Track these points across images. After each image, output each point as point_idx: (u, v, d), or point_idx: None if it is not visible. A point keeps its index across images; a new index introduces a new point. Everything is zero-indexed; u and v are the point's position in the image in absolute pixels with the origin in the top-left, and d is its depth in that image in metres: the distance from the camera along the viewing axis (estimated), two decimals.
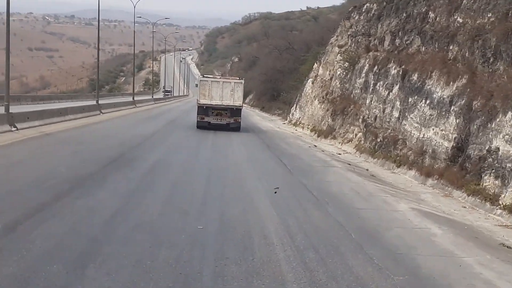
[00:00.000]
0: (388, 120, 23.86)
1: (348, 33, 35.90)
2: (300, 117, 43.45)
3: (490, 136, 15.30)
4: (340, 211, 11.87)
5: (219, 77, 42.22)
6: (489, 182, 14.85)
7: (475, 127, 16.23)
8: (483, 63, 16.95)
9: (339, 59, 35.37)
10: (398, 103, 23.02)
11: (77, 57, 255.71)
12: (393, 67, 24.68)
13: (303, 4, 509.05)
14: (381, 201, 13.52)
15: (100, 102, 46.70)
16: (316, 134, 34.65)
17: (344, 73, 33.52)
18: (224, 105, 32.69)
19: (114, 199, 11.46)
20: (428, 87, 20.27)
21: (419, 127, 20.19)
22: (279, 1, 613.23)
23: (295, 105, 48.22)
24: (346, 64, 32.89)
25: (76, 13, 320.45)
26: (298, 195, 13.41)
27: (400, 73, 23.40)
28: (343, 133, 30.43)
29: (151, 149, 20.80)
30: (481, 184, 15.17)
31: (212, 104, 32.69)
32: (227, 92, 32.69)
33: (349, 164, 20.95)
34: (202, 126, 32.87)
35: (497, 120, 15.13)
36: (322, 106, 36.69)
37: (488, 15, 17.17)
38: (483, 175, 15.25)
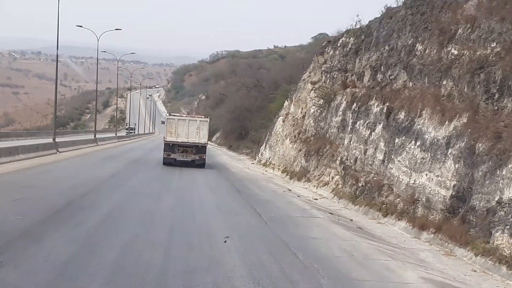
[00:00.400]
0: (370, 162, 21.51)
1: (322, 69, 33.82)
2: (270, 157, 40.98)
3: (501, 185, 12.98)
4: (338, 285, 9.30)
5: (185, 115, 42.33)
6: (502, 240, 12.47)
7: (480, 173, 13.90)
8: (486, 100, 14.72)
9: (312, 96, 33.20)
10: (382, 144, 20.71)
11: (43, 93, 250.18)
12: (375, 105, 22.44)
13: (270, 43, 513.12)
14: (383, 268, 10.94)
15: (59, 140, 43.80)
16: (289, 176, 32.17)
17: (318, 111, 31.29)
18: (189, 142, 33.03)
19: (40, 275, 8.52)
20: (418, 126, 18.00)
21: (409, 171, 17.83)
22: (246, 40, 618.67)
23: (264, 144, 45.81)
24: (321, 102, 30.68)
25: (43, 49, 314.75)
26: (280, 259, 10.75)
27: (384, 111, 21.16)
28: (318, 175, 28.00)
29: (107, 195, 18.07)
30: (491, 242, 12.78)
31: (178, 142, 33.04)
32: (192, 130, 33.10)
33: (331, 214, 18.39)
34: (168, 162, 33.16)
35: (509, 166, 12.83)
36: (295, 146, 34.32)
37: (492, 45, 14.98)
38: (493, 231, 12.88)
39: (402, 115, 19.49)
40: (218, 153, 57.64)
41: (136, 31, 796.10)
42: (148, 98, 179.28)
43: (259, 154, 47.01)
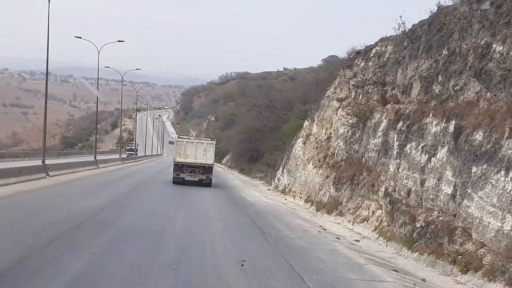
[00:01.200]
0: (432, 197, 16.42)
1: (352, 83, 28.91)
2: (289, 183, 35.96)
3: None
4: None
5: (193, 138, 43.80)
6: None
7: None
8: None
9: (341, 115, 28.24)
10: (449, 173, 15.63)
11: (52, 114, 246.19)
12: (434, 123, 17.43)
13: (280, 65, 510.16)
14: None
15: (56, 161, 39.27)
16: (314, 207, 27.14)
17: (350, 131, 26.32)
18: (197, 163, 34.66)
19: None
20: (509, 151, 13.01)
21: (499, 212, 12.77)
22: (256, 62, 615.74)
23: (281, 168, 40.84)
24: (353, 120, 25.67)
25: (53, 70, 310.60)
26: None
27: (450, 130, 16.12)
28: (354, 208, 22.92)
29: (85, 241, 13.01)
30: None
31: (186, 162, 34.60)
32: (200, 151, 34.72)
33: (396, 271, 13.18)
34: (177, 181, 34.68)
35: None
36: (320, 171, 29.32)
37: None
38: None
39: (479, 136, 14.48)
40: (230, 177, 52.65)
41: (145, 52, 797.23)
42: (157, 118, 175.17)
43: (275, 179, 42.03)
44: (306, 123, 37.62)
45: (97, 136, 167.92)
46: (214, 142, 37.08)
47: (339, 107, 29.80)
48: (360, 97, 26.83)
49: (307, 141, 34.82)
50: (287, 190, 35.38)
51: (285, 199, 32.88)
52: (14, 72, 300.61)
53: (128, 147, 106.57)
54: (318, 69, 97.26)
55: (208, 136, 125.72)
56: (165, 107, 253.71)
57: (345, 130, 27.00)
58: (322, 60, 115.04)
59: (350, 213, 22.87)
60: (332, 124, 30.98)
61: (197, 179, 35.15)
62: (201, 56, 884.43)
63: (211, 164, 35.15)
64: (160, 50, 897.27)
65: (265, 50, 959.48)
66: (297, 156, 36.15)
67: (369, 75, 26.05)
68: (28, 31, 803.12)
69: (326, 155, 29.67)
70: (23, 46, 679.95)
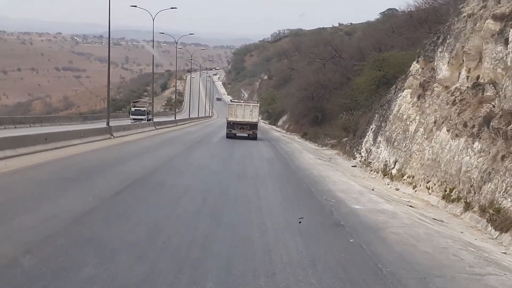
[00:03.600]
0: None
1: None
2: (394, 161, 22.06)
3: None
4: None
5: (242, 101, 49.49)
6: None
7: None
8: None
9: None
10: None
11: (104, 77, 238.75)
12: None
13: (334, 21, 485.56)
14: None
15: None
16: (479, 216, 13.35)
17: None
18: (245, 121, 41.37)
19: None
20: None
21: None
22: (308, 20, 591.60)
23: (370, 134, 27.11)
24: None
25: (105, 33, 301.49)
26: None
27: None
28: None
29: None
30: None
31: (237, 121, 41.48)
32: (247, 112, 41.51)
33: None
34: (230, 136, 41.22)
35: None
36: (475, 145, 15.40)
37: None
38: None
39: None
40: (295, 147, 38.74)
41: (196, 14, 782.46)
42: (207, 80, 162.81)
43: (360, 149, 28.38)
44: (415, 66, 23.61)
45: (148, 98, 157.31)
46: (258, 104, 44.89)
47: (503, 27, 15.75)
48: None
49: (426, 92, 20.90)
50: (392, 171, 21.54)
51: (396, 189, 19.19)
52: (67, 36, 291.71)
53: (134, 109, 67.04)
54: (376, 24, 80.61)
55: (261, 95, 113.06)
56: (216, 68, 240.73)
57: None
58: (380, 13, 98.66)
59: None
60: (481, 60, 16.98)
61: (246, 134, 41.10)
62: (252, 15, 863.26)
63: (256, 122, 42.00)
64: (211, 11, 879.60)
65: (318, 6, 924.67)
66: (404, 117, 22.35)
67: None
68: None
69: (479, 114, 15.75)
70: (74, 11, 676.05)
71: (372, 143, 26.10)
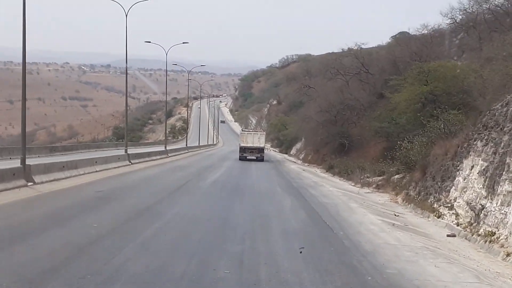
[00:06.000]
0: None
1: None
2: None
3: None
4: None
5: (251, 130, 62.18)
6: None
7: None
8: None
9: None
10: None
11: (110, 106, 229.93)
12: None
13: (343, 45, 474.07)
14: None
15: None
16: None
17: None
18: (254, 146, 50.09)
19: None
20: None
21: None
22: (316, 45, 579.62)
23: (482, 180, 14.98)
24: None
25: (113, 63, 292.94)
26: None
27: None
28: None
29: None
30: None
31: (247, 146, 50.06)
32: (255, 139, 50.81)
33: None
34: (242, 159, 49.35)
35: None
36: None
37: None
38: None
39: None
40: (332, 193, 23.44)
41: (204, 42, 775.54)
42: (213, 106, 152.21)
43: (451, 202, 16.31)
44: None
45: (152, 127, 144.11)
46: (264, 132, 57.09)
47: None
48: None
49: None
50: None
51: None
52: (75, 65, 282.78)
53: None
54: (388, 47, 67.78)
55: (270, 121, 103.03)
56: (224, 95, 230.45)
57: None
58: (391, 37, 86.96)
59: None
60: None
61: (254, 157, 49.40)
62: (259, 44, 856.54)
63: (263, 147, 51.45)
64: (219, 40, 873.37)
65: (326, 31, 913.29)
66: None
67: None
68: (88, 26, 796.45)
69: None
70: (82, 41, 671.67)
71: (483, 193, 14.05)
